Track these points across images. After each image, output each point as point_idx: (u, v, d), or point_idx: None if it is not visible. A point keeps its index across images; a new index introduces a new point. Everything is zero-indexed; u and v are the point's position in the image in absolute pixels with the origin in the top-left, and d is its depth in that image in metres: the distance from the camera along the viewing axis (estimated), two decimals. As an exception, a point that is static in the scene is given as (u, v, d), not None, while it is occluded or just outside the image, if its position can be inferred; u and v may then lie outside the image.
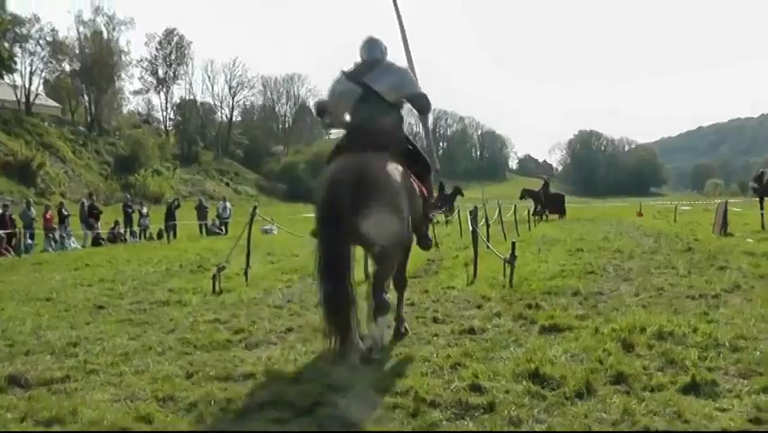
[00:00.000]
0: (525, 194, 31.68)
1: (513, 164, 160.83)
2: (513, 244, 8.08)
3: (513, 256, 7.71)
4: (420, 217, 5.09)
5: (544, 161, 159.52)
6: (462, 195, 27.09)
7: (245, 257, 9.11)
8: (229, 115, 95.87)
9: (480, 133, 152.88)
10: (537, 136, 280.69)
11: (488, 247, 9.43)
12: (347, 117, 5.09)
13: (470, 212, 9.92)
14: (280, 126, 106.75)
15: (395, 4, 6.13)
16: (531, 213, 26.00)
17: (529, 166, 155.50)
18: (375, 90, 4.92)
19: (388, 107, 5.04)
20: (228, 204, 29.73)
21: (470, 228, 9.31)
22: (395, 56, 5.35)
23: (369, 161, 4.44)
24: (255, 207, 9.61)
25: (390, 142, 4.87)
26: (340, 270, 4.09)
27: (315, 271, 4.17)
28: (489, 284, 7.73)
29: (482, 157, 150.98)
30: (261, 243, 16.80)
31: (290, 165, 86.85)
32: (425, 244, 5.56)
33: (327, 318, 4.07)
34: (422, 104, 5.21)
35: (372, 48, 5.16)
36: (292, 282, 8.79)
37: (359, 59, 5.19)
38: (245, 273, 8.88)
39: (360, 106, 4.96)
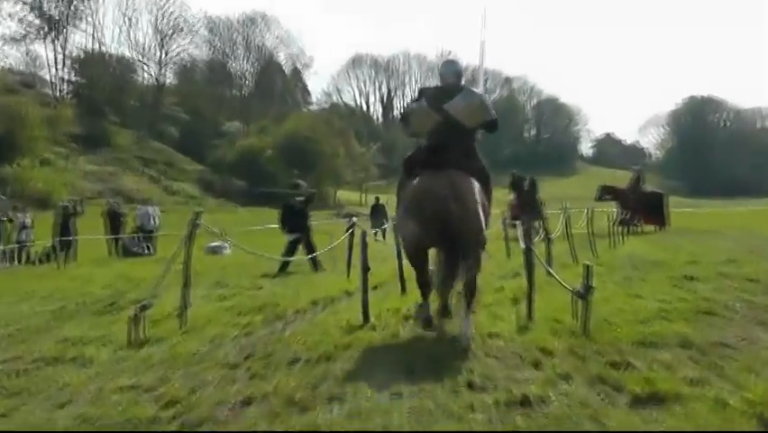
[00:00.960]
0: (605, 193, 31.71)
1: (586, 148, 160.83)
2: (587, 268, 8.04)
3: (587, 288, 7.68)
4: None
5: (635, 142, 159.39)
6: (537, 189, 27.01)
7: (182, 290, 9.10)
8: (158, 76, 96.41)
9: (535, 102, 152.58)
10: (623, 106, 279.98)
11: (549, 274, 9.39)
12: (427, 134, 8.27)
13: (521, 221, 9.86)
14: (236, 93, 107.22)
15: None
16: (614, 222, 25.97)
17: (610, 151, 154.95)
18: (454, 116, 8.07)
19: (466, 130, 8.20)
20: (155, 209, 29.83)
21: (522, 246, 9.28)
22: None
23: (457, 179, 7.66)
24: (198, 215, 9.58)
25: (466, 160, 8.04)
26: (424, 260, 8.13)
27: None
28: (552, 330, 7.72)
29: (539, 138, 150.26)
30: (208, 268, 16.82)
31: (250, 151, 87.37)
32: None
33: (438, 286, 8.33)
34: (492, 127, 8.47)
35: (451, 71, 8.44)
36: (253, 328, 8.78)
37: (435, 80, 8.65)
38: (181, 315, 8.88)
39: (441, 129, 8.08)
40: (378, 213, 32.43)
